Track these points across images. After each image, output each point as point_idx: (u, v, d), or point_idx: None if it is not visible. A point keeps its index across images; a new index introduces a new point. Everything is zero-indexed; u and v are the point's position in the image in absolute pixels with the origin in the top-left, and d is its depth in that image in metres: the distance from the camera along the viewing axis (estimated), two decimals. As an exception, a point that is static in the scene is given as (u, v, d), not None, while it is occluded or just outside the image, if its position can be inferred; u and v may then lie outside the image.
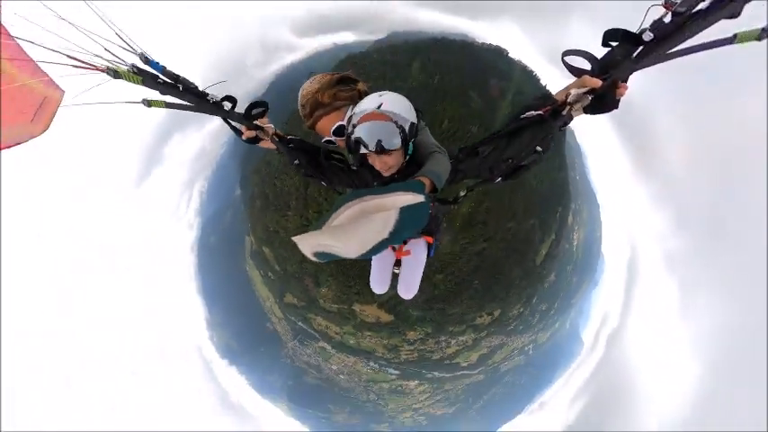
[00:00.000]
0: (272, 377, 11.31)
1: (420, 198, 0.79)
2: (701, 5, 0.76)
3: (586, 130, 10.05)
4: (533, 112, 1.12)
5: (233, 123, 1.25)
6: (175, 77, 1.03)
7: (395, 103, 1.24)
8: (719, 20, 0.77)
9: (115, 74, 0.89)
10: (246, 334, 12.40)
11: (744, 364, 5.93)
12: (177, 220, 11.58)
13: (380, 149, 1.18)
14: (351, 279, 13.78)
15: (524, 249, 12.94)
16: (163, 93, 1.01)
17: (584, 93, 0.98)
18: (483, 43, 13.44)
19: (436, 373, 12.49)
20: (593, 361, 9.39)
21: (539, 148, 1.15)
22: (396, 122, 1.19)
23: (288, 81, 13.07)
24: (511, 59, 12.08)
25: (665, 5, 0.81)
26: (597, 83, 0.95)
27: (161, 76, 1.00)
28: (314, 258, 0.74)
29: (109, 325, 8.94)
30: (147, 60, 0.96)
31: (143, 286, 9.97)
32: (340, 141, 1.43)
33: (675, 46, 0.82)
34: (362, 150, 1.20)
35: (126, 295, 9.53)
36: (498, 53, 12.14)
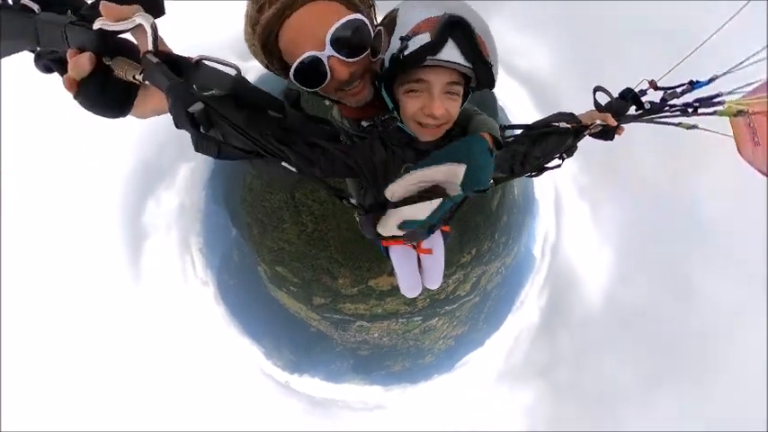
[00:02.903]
0: (335, 365, 11.62)
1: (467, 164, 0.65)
2: (676, 101, 1.08)
3: (505, 101, 10.71)
4: (565, 124, 1.07)
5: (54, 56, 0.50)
6: None
7: (485, 33, 0.72)
8: (682, 115, 1.09)
9: None
10: (298, 345, 12.00)
11: (640, 247, 7.99)
12: (189, 281, 9.43)
13: (467, 48, 0.65)
14: (357, 261, 13.71)
15: (482, 201, 14.41)
16: None
17: (601, 125, 1.10)
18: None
19: (447, 308, 14.18)
20: (545, 266, 11.70)
21: (564, 156, 1.09)
22: (490, 64, 0.72)
23: None
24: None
25: (650, 83, 1.12)
26: (614, 123, 1.06)
27: None
28: (400, 231, 0.64)
29: (188, 392, 7.62)
30: None
31: (198, 352, 8.46)
32: (342, 67, 0.70)
33: (660, 117, 1.11)
34: (441, 54, 0.64)
35: (191, 364, 8.01)
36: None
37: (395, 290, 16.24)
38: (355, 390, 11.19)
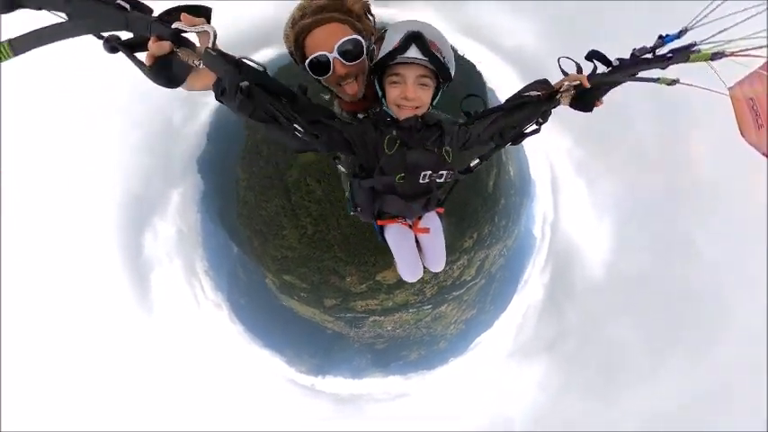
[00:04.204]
0: (355, 362, 12.05)
1: None
2: (648, 55, 1.06)
3: (495, 83, 10.37)
4: (535, 92, 1.14)
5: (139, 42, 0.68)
6: None
7: (438, 37, 1.03)
8: (656, 68, 1.07)
9: None
10: (318, 348, 12.35)
11: (638, 214, 8.04)
12: (202, 306, 9.44)
13: (425, 49, 0.95)
14: (362, 257, 13.82)
15: (478, 185, 14.42)
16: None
17: (573, 86, 1.10)
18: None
19: (454, 293, 14.50)
20: (545, 245, 11.89)
21: (540, 120, 1.18)
22: (442, 55, 1.00)
23: (223, 125, 9.87)
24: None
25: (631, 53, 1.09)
26: (586, 81, 1.07)
27: None
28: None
29: (225, 409, 7.91)
30: None
31: (223, 372, 8.67)
32: (342, 67, 1.04)
33: (630, 73, 1.09)
34: (406, 54, 0.94)
35: (218, 385, 8.24)
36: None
37: (402, 281, 16.54)
38: (377, 382, 11.74)
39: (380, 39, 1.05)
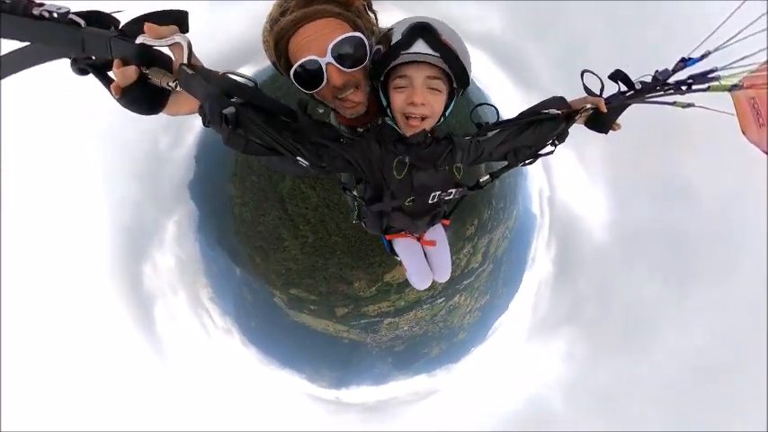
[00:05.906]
0: (377, 369, 11.81)
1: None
2: (670, 80, 1.07)
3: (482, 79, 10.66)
4: (555, 110, 1.10)
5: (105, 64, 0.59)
6: None
7: (450, 33, 0.85)
8: (676, 95, 1.08)
9: None
10: (336, 360, 12.07)
11: (630, 167, 8.25)
12: (212, 335, 9.09)
13: (434, 43, 0.78)
14: (368, 258, 13.71)
15: (471, 172, 14.69)
16: None
17: (591, 108, 1.11)
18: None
19: (464, 282, 14.50)
20: (546, 221, 12.12)
21: (557, 142, 1.13)
22: (457, 55, 0.83)
23: (211, 142, 9.81)
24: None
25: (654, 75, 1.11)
26: (603, 107, 1.06)
27: None
28: None
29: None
30: None
31: (244, 399, 8.31)
32: (338, 75, 0.83)
33: (650, 97, 1.10)
34: (411, 49, 0.77)
35: (243, 414, 7.86)
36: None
37: (411, 279, 16.43)
38: (404, 385, 11.49)
39: (386, 39, 0.85)
